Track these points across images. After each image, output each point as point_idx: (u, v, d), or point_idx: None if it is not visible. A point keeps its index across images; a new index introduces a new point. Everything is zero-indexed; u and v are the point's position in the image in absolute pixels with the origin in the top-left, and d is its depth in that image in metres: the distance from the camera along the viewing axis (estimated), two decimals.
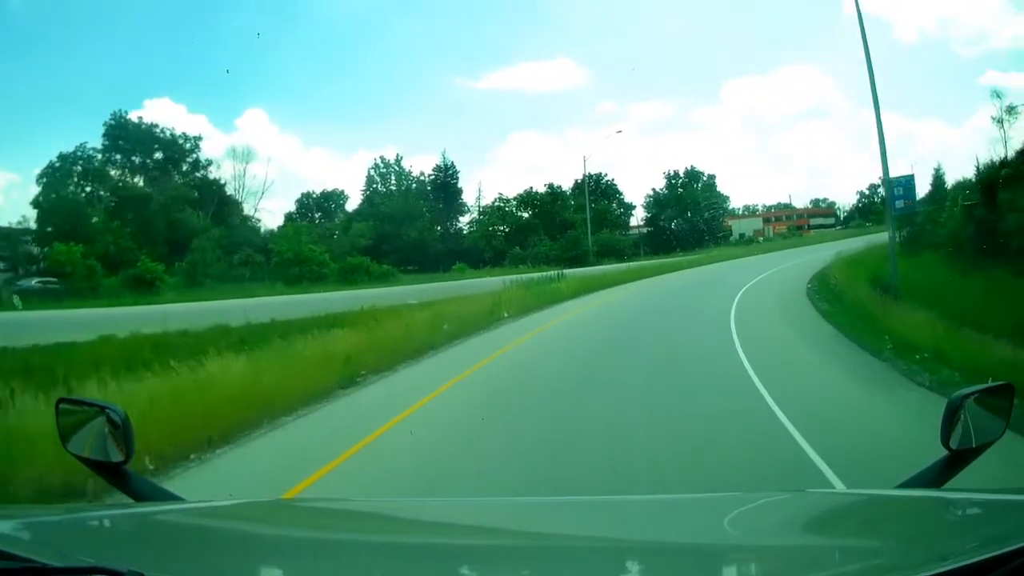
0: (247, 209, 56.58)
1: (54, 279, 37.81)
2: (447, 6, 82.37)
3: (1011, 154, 21.51)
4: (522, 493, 5.66)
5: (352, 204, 62.80)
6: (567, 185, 62.31)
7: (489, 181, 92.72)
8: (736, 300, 21.20)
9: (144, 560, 1.41)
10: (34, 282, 37.92)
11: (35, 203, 47.49)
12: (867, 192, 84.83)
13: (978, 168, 25.52)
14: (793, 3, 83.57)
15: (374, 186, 63.07)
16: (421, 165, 65.21)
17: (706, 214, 68.30)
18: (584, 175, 58.95)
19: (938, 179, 28.23)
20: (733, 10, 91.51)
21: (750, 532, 2.00)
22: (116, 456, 2.08)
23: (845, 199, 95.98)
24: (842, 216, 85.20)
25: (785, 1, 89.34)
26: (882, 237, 35.82)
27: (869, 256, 26.47)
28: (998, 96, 32.06)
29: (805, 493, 2.78)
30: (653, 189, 68.42)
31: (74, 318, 22.43)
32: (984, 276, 14.73)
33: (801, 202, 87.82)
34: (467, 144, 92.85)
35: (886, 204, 18.09)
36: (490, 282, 30.95)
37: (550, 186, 61.62)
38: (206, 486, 6.61)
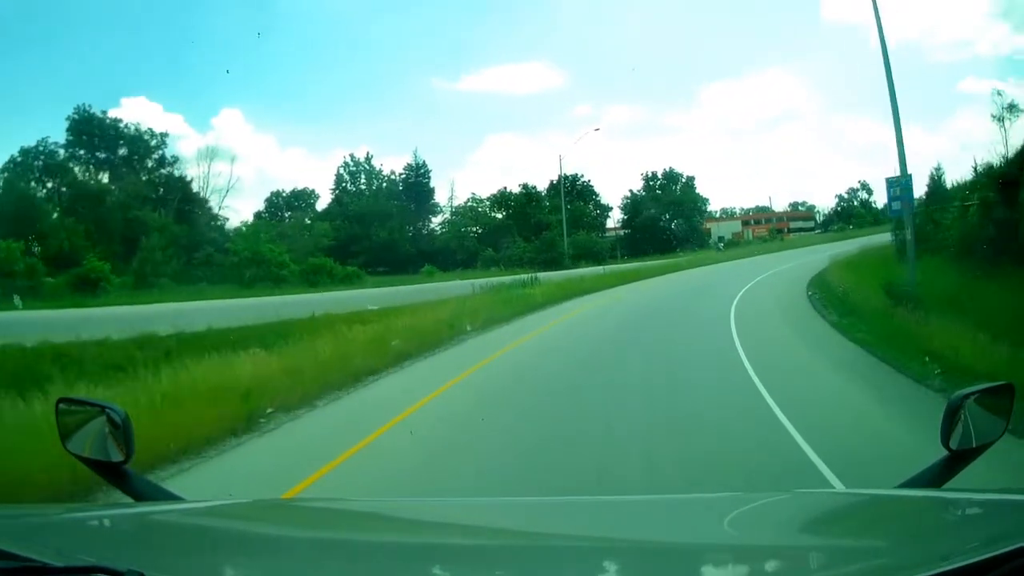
0: (217, 208, 54.56)
1: None
2: (426, 8, 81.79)
3: (1010, 154, 20.30)
4: None
5: (324, 203, 60.75)
6: (543, 186, 60.63)
7: (467, 183, 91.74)
8: (734, 310, 19.07)
9: (144, 560, 1.41)
10: None
11: None
12: (846, 196, 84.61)
13: (975, 169, 24.41)
14: (771, 8, 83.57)
15: (344, 185, 60.90)
16: (397, 166, 63.68)
17: (686, 216, 66.86)
18: (560, 175, 56.79)
19: (937, 180, 26.77)
20: (711, 14, 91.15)
21: (750, 532, 1.98)
22: (116, 456, 2.10)
23: (823, 202, 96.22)
24: (820, 219, 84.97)
25: (763, 6, 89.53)
26: (875, 239, 34.58)
27: (867, 260, 24.81)
28: (999, 94, 31.73)
29: (805, 493, 2.81)
30: (630, 190, 66.86)
31: None
32: (1008, 281, 13.03)
33: (780, 205, 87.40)
34: (444, 146, 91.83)
35: (901, 204, 16.27)
36: (459, 286, 28.98)
37: (525, 186, 59.79)
38: None
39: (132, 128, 52.49)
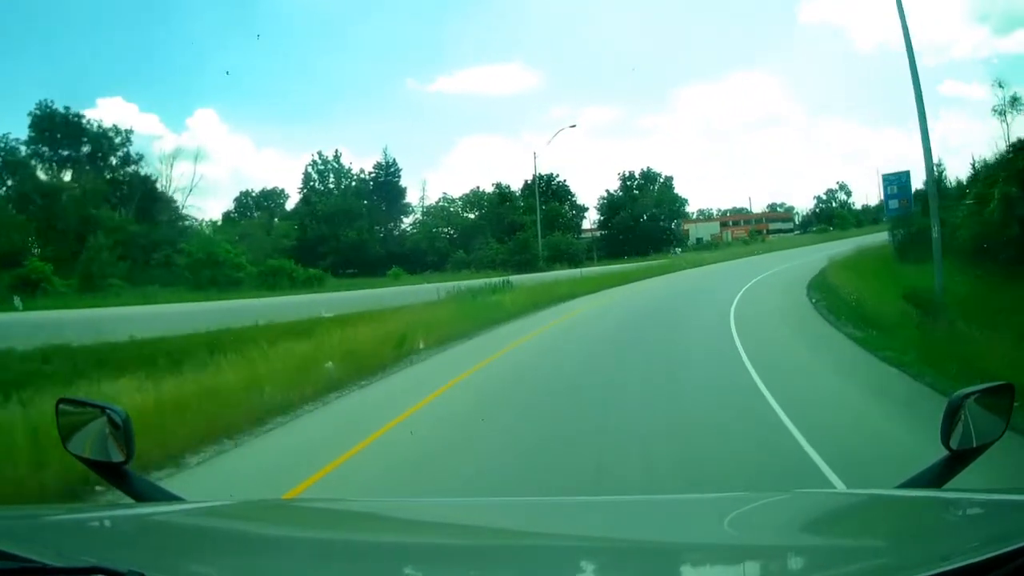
0: (182, 207, 52.21)
1: None
2: (401, 9, 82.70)
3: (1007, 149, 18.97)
4: None
5: (293, 203, 58.71)
6: (517, 186, 58.87)
7: (442, 184, 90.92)
8: (733, 310, 17.67)
9: (144, 560, 1.40)
10: None
11: None
12: (824, 197, 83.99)
13: (974, 165, 23.26)
14: (749, 11, 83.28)
15: (312, 184, 58.59)
16: (370, 166, 61.58)
17: (664, 217, 65.34)
18: (535, 174, 54.81)
19: (939, 178, 25.39)
20: (688, 16, 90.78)
21: (750, 532, 1.96)
22: (117, 456, 2.07)
23: (802, 203, 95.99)
24: (799, 220, 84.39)
25: (741, 9, 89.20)
26: (870, 239, 33.26)
27: (865, 261, 23.34)
28: (1000, 86, 31.04)
29: (805, 493, 2.73)
30: (607, 190, 65.52)
31: None
32: None
33: (758, 206, 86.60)
34: (419, 147, 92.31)
35: (928, 200, 14.40)
36: (424, 290, 27.02)
37: (498, 186, 58.05)
38: None
39: (95, 125, 50.31)
